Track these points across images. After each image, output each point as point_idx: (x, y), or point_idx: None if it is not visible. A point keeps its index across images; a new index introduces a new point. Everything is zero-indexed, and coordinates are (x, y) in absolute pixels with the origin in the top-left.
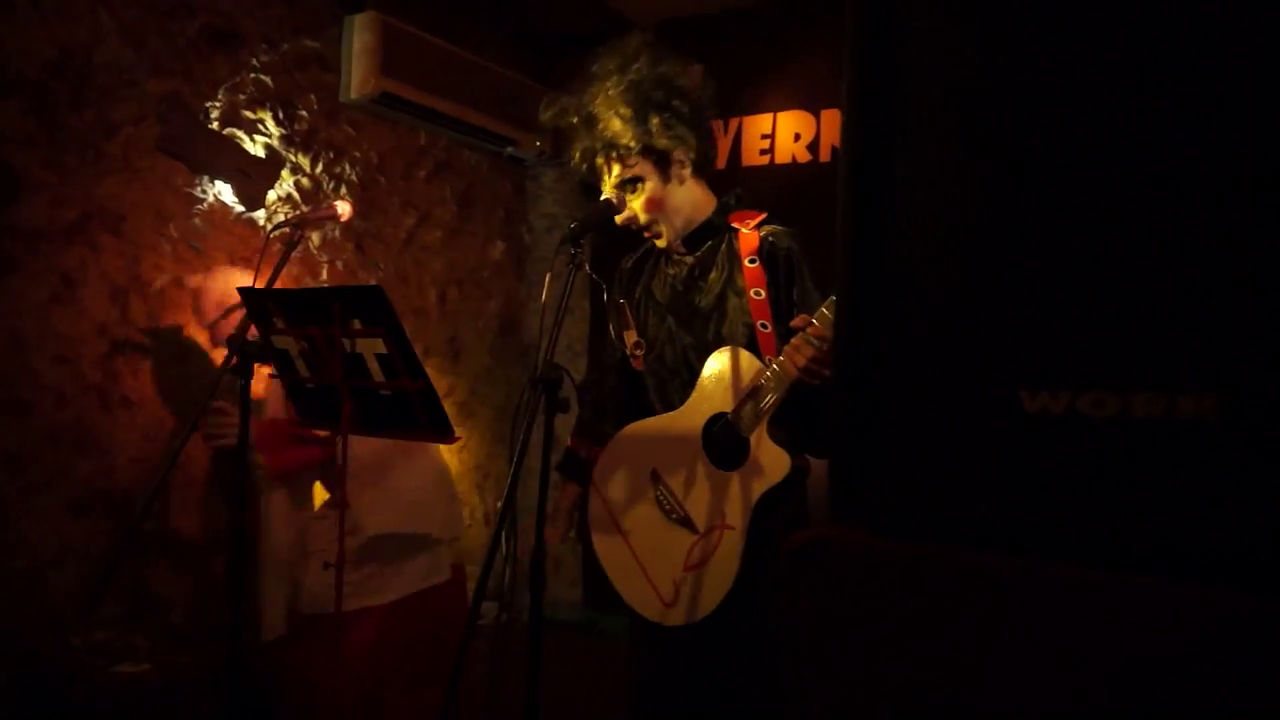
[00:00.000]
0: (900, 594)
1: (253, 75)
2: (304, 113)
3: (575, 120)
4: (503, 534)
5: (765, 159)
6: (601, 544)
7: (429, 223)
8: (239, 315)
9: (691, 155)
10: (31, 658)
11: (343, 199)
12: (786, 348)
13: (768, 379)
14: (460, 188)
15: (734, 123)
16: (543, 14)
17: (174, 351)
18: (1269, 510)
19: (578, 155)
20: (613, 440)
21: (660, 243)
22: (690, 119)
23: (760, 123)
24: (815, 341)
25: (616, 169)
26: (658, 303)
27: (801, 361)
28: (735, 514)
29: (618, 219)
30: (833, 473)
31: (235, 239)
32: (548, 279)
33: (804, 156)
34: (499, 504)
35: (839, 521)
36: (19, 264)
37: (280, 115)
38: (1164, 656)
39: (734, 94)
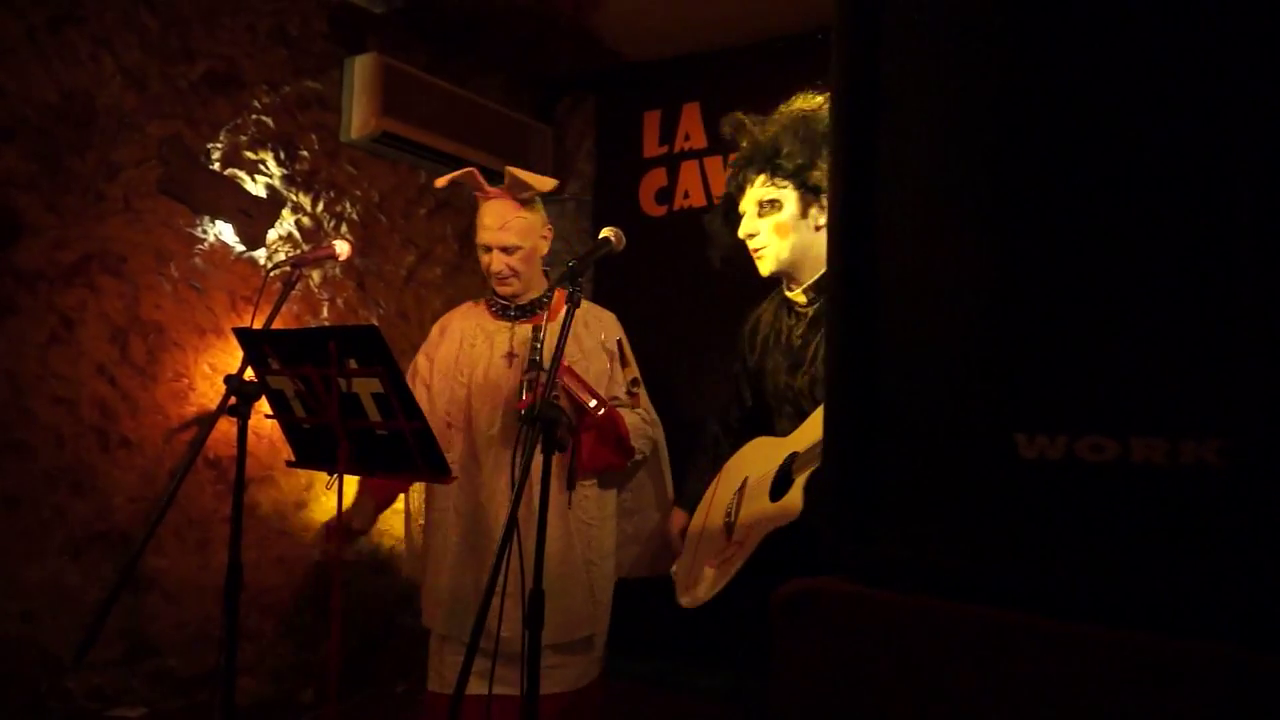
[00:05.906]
0: (892, 647)
1: (254, 117)
2: (305, 153)
3: (750, 128)
4: (501, 570)
5: None
6: (695, 515)
7: (430, 260)
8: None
9: None
10: (28, 701)
11: (342, 238)
12: None
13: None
14: (461, 225)
15: (733, 158)
16: (541, 55)
17: None
18: (1276, 560)
19: (735, 164)
20: (751, 443)
21: (762, 267)
22: None
23: None
24: None
25: (760, 185)
26: (778, 352)
27: None
28: (752, 539)
29: (740, 232)
30: (825, 522)
31: (236, 278)
32: (544, 316)
33: None
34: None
35: (831, 572)
36: (18, 306)
37: (281, 155)
38: (1167, 717)
39: None
